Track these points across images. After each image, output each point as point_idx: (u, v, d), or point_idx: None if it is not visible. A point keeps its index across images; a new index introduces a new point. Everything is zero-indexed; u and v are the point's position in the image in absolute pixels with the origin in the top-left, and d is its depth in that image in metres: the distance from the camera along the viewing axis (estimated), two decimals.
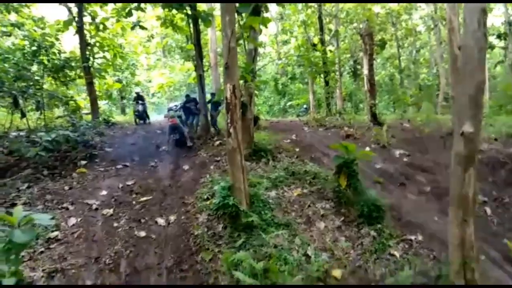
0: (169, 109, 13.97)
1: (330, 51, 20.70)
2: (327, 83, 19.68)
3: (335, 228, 6.41)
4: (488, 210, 7.50)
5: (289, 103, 26.86)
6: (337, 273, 5.22)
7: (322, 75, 19.82)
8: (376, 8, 22.55)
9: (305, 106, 24.20)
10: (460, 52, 4.87)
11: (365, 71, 14.65)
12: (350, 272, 5.30)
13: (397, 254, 5.73)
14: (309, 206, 7.00)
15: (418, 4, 25.92)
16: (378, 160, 9.55)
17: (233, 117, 6.34)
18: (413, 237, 6.17)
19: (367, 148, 10.09)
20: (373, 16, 18.59)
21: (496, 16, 24.17)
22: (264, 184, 7.45)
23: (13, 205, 6.72)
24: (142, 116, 17.11)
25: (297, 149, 10.16)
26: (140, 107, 17.02)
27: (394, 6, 23.61)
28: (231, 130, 6.32)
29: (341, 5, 20.87)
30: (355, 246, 5.93)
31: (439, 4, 23.65)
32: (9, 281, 4.44)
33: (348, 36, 23.29)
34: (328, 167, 8.76)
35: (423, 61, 30.16)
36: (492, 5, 21.59)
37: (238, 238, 5.80)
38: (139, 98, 17.40)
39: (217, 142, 11.02)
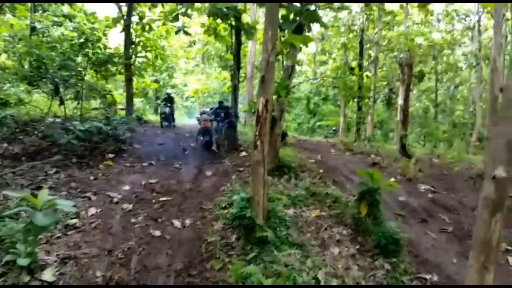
0: (202, 113, 14.07)
1: (367, 76, 20.55)
2: (360, 108, 19.55)
3: (349, 255, 6.30)
4: (511, 260, 7.19)
5: (318, 123, 26.73)
6: None
7: (355, 100, 19.70)
8: (419, 39, 22.37)
9: (334, 128, 24.07)
10: (501, 94, 4.76)
11: (400, 100, 14.45)
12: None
13: None
14: (325, 229, 6.92)
15: (463, 40, 25.51)
16: (402, 192, 9.35)
17: (261, 130, 6.38)
18: (428, 276, 5.99)
19: (392, 179, 9.91)
20: (415, 47, 18.45)
21: None
22: (283, 201, 7.41)
23: (39, 188, 6.98)
24: (168, 118, 16.71)
25: (321, 170, 10.09)
26: (167, 110, 16.55)
27: (437, 39, 23.30)
28: (258, 143, 6.36)
29: (384, 32, 20.79)
30: (367, 277, 5.80)
31: (484, 42, 23.19)
32: (24, 261, 4.58)
33: (387, 64, 23.15)
34: (350, 193, 8.65)
35: (461, 98, 29.45)
36: None
37: (250, 252, 5.78)
38: (168, 99, 17.05)
39: (243, 153, 11.09)
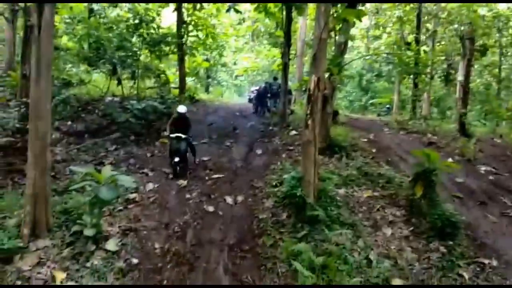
0: (256, 89, 15.67)
1: (424, 51, 19.46)
2: (416, 85, 18.64)
3: (402, 237, 6.16)
4: None
5: (371, 101, 25.90)
6: (397, 282, 5.05)
7: (411, 76, 18.81)
8: (482, 10, 20.72)
9: (387, 106, 23.19)
10: None
11: (460, 76, 13.63)
12: (412, 285, 5.11)
13: (466, 275, 5.37)
14: (378, 210, 6.81)
15: None
16: (460, 174, 8.90)
17: (313, 109, 6.31)
18: (487, 261, 5.72)
19: (450, 159, 9.45)
20: (478, 18, 17.11)
21: None
22: (334, 181, 7.33)
23: (101, 163, 7.45)
24: (182, 160, 8.07)
25: (374, 150, 9.84)
26: (182, 145, 8.07)
27: (503, 9, 21.46)
28: (309, 122, 6.30)
29: (443, 4, 19.46)
30: (421, 259, 5.66)
31: None
32: (90, 231, 4.96)
33: (446, 37, 21.71)
34: (404, 173, 8.38)
35: None
36: None
37: (301, 229, 5.84)
38: (181, 122, 8.41)
39: (293, 132, 11.04)
